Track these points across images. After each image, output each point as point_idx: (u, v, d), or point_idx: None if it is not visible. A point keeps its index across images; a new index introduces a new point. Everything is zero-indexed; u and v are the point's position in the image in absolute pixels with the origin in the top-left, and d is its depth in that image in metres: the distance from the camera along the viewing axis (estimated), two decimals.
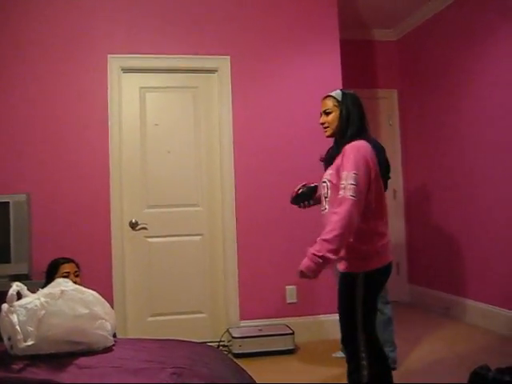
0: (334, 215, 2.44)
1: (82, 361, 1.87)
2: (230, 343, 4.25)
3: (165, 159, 4.54)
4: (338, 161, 2.60)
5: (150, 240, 4.47)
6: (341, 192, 2.44)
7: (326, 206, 2.64)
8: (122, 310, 4.33)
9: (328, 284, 4.48)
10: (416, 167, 5.88)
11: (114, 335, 2.81)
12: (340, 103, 2.71)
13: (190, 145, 4.59)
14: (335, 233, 2.38)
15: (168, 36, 4.53)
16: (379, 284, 2.67)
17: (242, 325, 4.44)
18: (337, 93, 2.77)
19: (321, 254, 2.39)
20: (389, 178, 3.86)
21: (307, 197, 3.07)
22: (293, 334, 4.23)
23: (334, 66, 4.76)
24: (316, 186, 3.01)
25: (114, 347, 2.07)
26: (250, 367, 3.66)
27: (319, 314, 4.58)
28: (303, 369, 3.90)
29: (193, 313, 4.51)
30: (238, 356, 4.09)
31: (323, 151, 4.25)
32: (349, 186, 2.41)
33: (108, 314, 2.09)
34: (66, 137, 4.32)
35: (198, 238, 4.55)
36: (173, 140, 4.57)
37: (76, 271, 3.40)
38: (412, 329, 4.71)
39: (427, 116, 5.61)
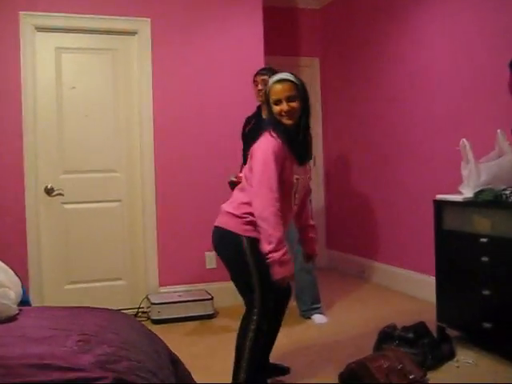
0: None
1: None
2: (149, 309, 4.25)
3: (82, 123, 4.40)
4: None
5: (66, 206, 4.36)
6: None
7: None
8: (38, 279, 4.24)
9: None
10: (336, 135, 5.99)
11: (29, 304, 2.75)
12: (299, 90, 2.63)
13: (109, 109, 4.47)
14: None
15: None
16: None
17: (161, 291, 4.44)
18: (292, 76, 2.65)
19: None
20: None
21: None
22: (212, 299, 4.28)
23: (256, 32, 4.75)
24: None
25: (18, 316, 2.02)
26: (168, 333, 3.74)
27: None
28: (221, 332, 3.97)
29: (112, 280, 4.47)
30: (157, 322, 4.11)
31: (244, 115, 4.27)
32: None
33: (12, 282, 2.03)
34: None
35: (116, 204, 4.48)
36: (91, 104, 4.43)
37: None
38: (329, 292, 4.87)
39: (348, 85, 5.71)
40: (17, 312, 2.03)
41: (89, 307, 2.38)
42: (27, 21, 4.21)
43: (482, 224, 3.27)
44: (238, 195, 2.74)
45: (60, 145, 4.35)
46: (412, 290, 4.69)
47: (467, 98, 4.09)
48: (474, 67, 4.02)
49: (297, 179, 2.67)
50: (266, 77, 3.85)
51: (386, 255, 5.16)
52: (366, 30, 5.36)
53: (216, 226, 2.76)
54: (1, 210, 4.11)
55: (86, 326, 1.96)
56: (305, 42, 6.19)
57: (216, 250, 2.83)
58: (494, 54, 3.84)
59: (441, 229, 3.57)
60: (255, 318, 2.62)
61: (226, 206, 2.74)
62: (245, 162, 3.79)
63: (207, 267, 4.60)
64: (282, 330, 3.05)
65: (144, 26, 4.47)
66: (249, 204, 2.60)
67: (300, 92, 2.62)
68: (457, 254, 3.45)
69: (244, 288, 2.70)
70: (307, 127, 2.69)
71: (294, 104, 2.59)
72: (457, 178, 3.54)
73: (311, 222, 3.01)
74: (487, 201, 3.23)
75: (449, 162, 4.12)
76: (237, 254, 2.63)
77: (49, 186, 4.29)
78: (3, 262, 2.23)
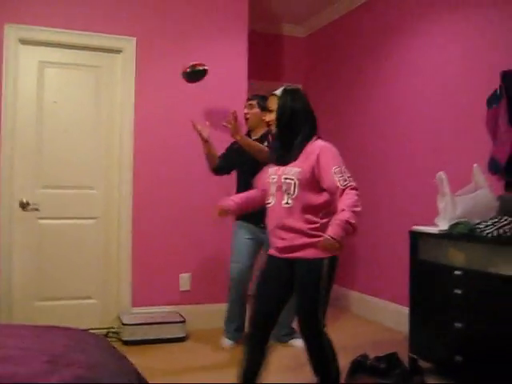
0: (347, 200, 2.55)
1: None
2: (120, 330, 4.18)
3: (62, 139, 4.36)
4: (306, 159, 2.70)
5: (41, 222, 4.29)
6: (340, 184, 2.58)
7: (274, 200, 2.76)
8: (8, 294, 4.15)
9: (220, 273, 4.54)
10: None
11: None
12: (280, 100, 2.82)
13: (90, 126, 4.44)
14: (358, 209, 2.54)
15: (73, 10, 4.33)
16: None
17: (133, 312, 4.38)
18: (279, 90, 2.87)
19: (353, 222, 2.51)
20: None
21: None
22: (184, 321, 4.23)
23: (241, 56, 4.80)
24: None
25: None
26: (138, 354, 3.68)
27: (212, 303, 4.61)
28: (191, 355, 3.91)
29: (83, 298, 4.40)
30: (128, 343, 4.05)
31: (226, 138, 4.31)
32: (346, 178, 2.61)
33: None
34: None
35: (92, 221, 4.42)
36: (71, 119, 4.40)
37: None
38: None
39: (329, 112, 5.76)
40: None
41: (57, 326, 2.33)
42: (11, 33, 4.18)
43: (457, 257, 3.29)
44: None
45: (38, 159, 4.30)
46: (387, 321, 4.69)
47: (445, 132, 4.16)
48: (453, 101, 4.10)
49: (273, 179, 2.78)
50: (252, 102, 4.12)
51: (361, 284, 5.17)
52: (349, 59, 5.44)
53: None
54: None
55: (54, 345, 1.92)
56: (289, 68, 6.26)
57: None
58: (472, 89, 3.91)
59: (416, 260, 3.59)
60: (322, 330, 2.71)
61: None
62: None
63: (181, 289, 4.55)
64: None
65: (129, 44, 4.48)
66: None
67: (281, 101, 2.81)
68: (431, 285, 3.47)
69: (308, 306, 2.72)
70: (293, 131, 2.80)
71: (270, 115, 2.85)
72: (433, 211, 3.58)
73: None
74: (462, 234, 3.26)
75: (426, 194, 4.17)
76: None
77: (24, 201, 4.22)
78: None
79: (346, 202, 2.54)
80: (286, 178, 2.72)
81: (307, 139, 2.78)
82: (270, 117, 2.85)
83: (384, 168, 4.84)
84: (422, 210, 4.18)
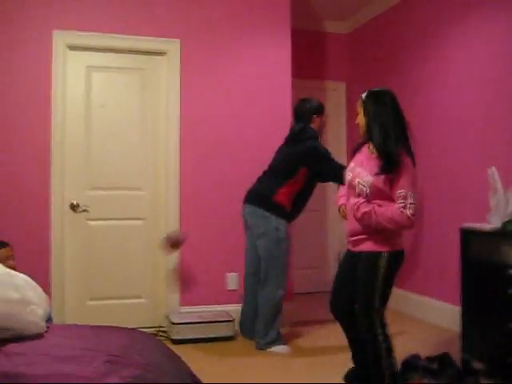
0: (392, 215, 2.74)
1: (11, 347, 1.82)
2: (169, 329, 4.23)
3: (110, 141, 4.45)
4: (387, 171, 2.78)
5: (91, 223, 4.39)
6: (400, 205, 2.72)
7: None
8: (61, 294, 4.26)
9: None
10: None
11: (50, 320, 2.76)
12: (364, 103, 2.91)
13: (136, 128, 4.52)
14: (383, 222, 2.74)
15: (118, 15, 4.42)
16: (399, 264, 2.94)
17: (182, 311, 4.43)
18: (364, 93, 2.95)
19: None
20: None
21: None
22: (233, 321, 4.25)
23: (284, 55, 4.79)
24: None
25: (45, 333, 2.03)
26: (188, 353, 3.71)
27: None
28: (242, 354, 3.93)
29: (133, 297, 4.48)
30: (177, 342, 4.09)
31: (271, 138, 4.37)
32: (409, 205, 2.71)
33: (40, 299, 2.04)
34: (6, 113, 4.17)
35: (139, 222, 4.50)
36: (119, 122, 4.48)
37: (11, 255, 3.32)
38: None
39: None
40: (45, 330, 2.04)
41: (114, 326, 2.38)
42: (60, 39, 4.28)
43: (510, 255, 3.21)
44: None
45: (87, 161, 4.40)
46: (439, 320, 4.60)
47: (496, 126, 4.05)
48: (504, 95, 3.98)
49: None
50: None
51: (409, 283, 5.09)
52: (393, 56, 5.37)
53: None
54: (27, 223, 4.14)
55: (112, 346, 1.96)
56: (332, 66, 6.21)
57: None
58: None
59: (467, 258, 3.52)
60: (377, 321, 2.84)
61: None
62: None
63: (228, 288, 4.58)
64: None
65: (173, 46, 4.53)
66: None
67: (364, 105, 2.94)
68: (483, 284, 3.40)
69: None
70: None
71: (357, 118, 3.05)
72: (485, 207, 3.50)
73: None
74: None
75: (477, 190, 4.07)
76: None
77: (75, 203, 4.33)
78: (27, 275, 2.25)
79: (389, 211, 2.74)
80: (361, 184, 2.83)
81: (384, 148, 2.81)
82: (358, 119, 2.96)
83: (433, 164, 4.74)
84: (473, 207, 4.09)
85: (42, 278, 3.90)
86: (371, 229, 2.81)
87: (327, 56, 6.22)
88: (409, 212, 2.71)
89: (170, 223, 4.48)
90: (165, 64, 4.56)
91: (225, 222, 4.59)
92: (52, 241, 4.23)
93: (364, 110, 2.87)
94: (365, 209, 2.77)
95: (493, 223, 3.37)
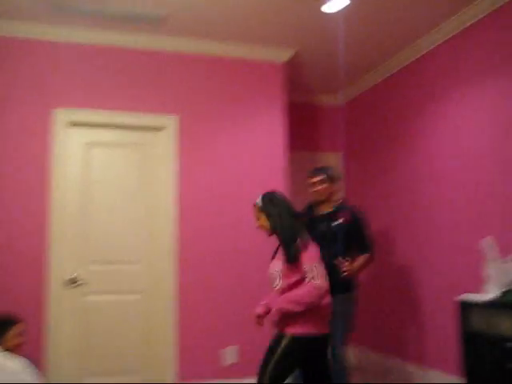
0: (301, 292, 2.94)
1: None
2: None
3: (108, 216, 4.49)
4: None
5: (88, 298, 4.36)
6: (309, 278, 2.93)
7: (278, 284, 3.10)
8: (56, 369, 4.18)
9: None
10: None
11: None
12: (262, 207, 3.22)
13: (134, 202, 4.57)
14: (302, 300, 2.92)
15: (119, 92, 4.57)
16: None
17: None
18: (259, 199, 3.28)
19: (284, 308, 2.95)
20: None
21: None
22: None
23: (278, 130, 4.91)
24: None
25: None
26: None
27: None
28: None
29: (129, 373, 4.38)
30: None
31: None
32: (316, 275, 2.93)
33: (35, 381, 2.01)
34: (5, 191, 4.23)
35: (138, 296, 4.47)
36: (117, 197, 4.54)
37: (23, 331, 3.32)
38: None
39: (371, 179, 5.78)
40: None
41: None
42: (60, 117, 4.40)
43: (509, 327, 3.18)
44: None
45: (85, 236, 4.42)
46: None
47: (491, 196, 4.08)
48: (500, 161, 4.03)
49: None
50: (322, 176, 4.17)
51: (409, 354, 5.00)
52: (388, 125, 5.48)
53: None
54: (22, 298, 4.11)
55: None
56: (327, 138, 6.33)
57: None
58: None
59: (465, 330, 3.48)
60: None
61: None
62: None
63: (227, 362, 4.50)
64: None
65: (172, 122, 4.66)
66: None
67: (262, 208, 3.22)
68: (483, 357, 3.34)
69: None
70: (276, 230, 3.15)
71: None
72: (478, 278, 3.49)
73: None
74: None
75: (471, 260, 4.07)
76: None
77: (71, 277, 4.32)
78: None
79: (299, 289, 2.96)
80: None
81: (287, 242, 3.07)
82: (259, 224, 3.23)
83: (427, 232, 4.77)
84: (467, 278, 4.08)
85: (36, 352, 3.89)
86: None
87: (323, 128, 6.34)
88: (317, 281, 2.91)
89: (168, 298, 4.46)
90: (163, 139, 4.67)
91: (223, 296, 4.57)
92: (49, 316, 4.20)
93: (265, 212, 3.17)
94: (278, 307, 2.96)
95: (490, 293, 3.35)
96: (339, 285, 3.78)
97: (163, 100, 4.66)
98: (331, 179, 4.22)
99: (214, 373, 4.46)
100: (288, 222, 3.10)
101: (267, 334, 4.48)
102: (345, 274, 3.93)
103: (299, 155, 5.87)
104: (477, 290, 3.53)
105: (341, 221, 4.08)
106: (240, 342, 4.55)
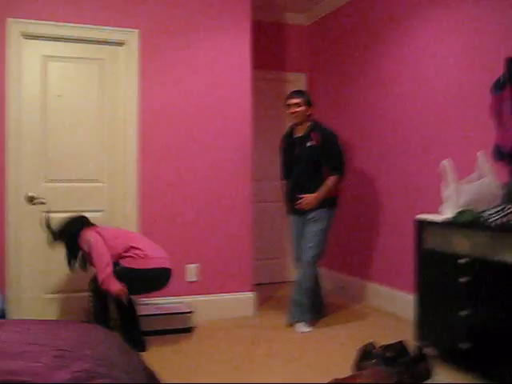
0: None
1: None
2: None
3: (66, 132, 4.38)
4: None
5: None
6: None
7: None
8: (17, 287, 4.19)
9: (228, 263, 4.60)
10: None
11: (2, 316, 2.71)
12: None
13: (94, 119, 4.46)
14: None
15: (76, 4, 4.33)
16: None
17: (140, 303, 4.40)
18: None
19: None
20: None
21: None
22: (191, 312, 4.26)
23: (244, 47, 4.78)
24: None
25: None
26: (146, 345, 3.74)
27: (221, 293, 4.66)
28: (199, 346, 3.95)
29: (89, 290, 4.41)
30: None
31: (231, 125, 4.57)
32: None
33: None
34: None
35: (98, 214, 4.44)
36: (76, 113, 4.42)
37: None
38: None
39: (333, 102, 5.75)
40: None
41: (67, 321, 2.36)
42: (15, 27, 4.18)
43: (462, 245, 3.30)
44: None
45: (43, 153, 4.32)
46: (395, 308, 4.70)
47: (450, 120, 4.14)
48: (458, 90, 4.07)
49: None
50: (299, 99, 4.31)
51: (367, 272, 5.18)
52: (353, 47, 5.41)
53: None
54: None
55: (61, 340, 1.95)
56: (292, 58, 6.23)
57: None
58: (476, 78, 3.89)
59: (421, 248, 3.60)
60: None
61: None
62: (285, 176, 4.52)
63: (187, 280, 4.58)
64: None
65: (132, 37, 4.48)
66: None
67: None
68: (436, 273, 3.49)
69: None
70: None
71: None
72: (439, 200, 3.58)
73: None
74: (467, 222, 3.26)
75: (431, 183, 4.16)
76: None
77: (30, 194, 4.25)
78: None
79: None
80: None
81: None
82: None
83: (390, 157, 4.83)
84: (428, 199, 4.18)
85: None
86: None
87: (287, 47, 6.22)
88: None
89: (128, 214, 4.45)
90: (123, 54, 4.50)
91: (184, 213, 4.59)
92: (7, 233, 4.16)
93: None
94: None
95: (445, 214, 3.45)
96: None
97: (123, 13, 4.45)
98: (308, 102, 4.35)
99: (176, 290, 4.53)
100: None
101: (228, 250, 4.63)
102: (298, 206, 4.30)
103: (263, 74, 5.78)
104: (435, 211, 3.63)
105: (312, 143, 4.23)
106: (200, 260, 4.62)
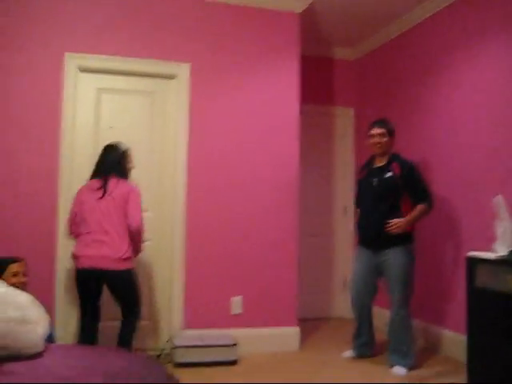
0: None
1: (8, 366, 1.82)
2: (172, 352, 4.20)
3: None
4: None
5: None
6: None
7: None
8: (65, 313, 4.25)
9: (272, 297, 4.56)
10: None
11: (52, 340, 2.75)
12: None
13: (144, 150, 4.55)
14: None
15: (129, 38, 4.48)
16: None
17: (185, 334, 4.40)
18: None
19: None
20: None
21: None
22: (235, 344, 4.22)
23: (293, 81, 4.83)
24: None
25: (44, 353, 2.02)
26: (192, 377, 3.71)
27: (265, 327, 4.62)
28: (243, 379, 3.89)
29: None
30: (180, 365, 4.06)
31: (279, 159, 4.49)
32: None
33: (41, 319, 2.04)
34: (17, 135, 4.21)
35: (146, 243, 4.48)
36: (127, 144, 4.50)
37: (24, 271, 3.34)
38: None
39: None
40: (43, 349, 2.04)
41: (114, 348, 2.38)
42: (72, 61, 4.34)
43: None
44: None
45: None
46: (446, 350, 4.53)
47: (504, 152, 4.03)
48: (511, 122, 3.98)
49: None
50: (383, 130, 4.19)
51: (419, 311, 5.03)
52: (401, 81, 5.39)
53: None
54: (33, 240, 4.15)
55: (110, 367, 1.96)
56: (340, 92, 6.24)
57: None
58: None
59: (473, 287, 3.49)
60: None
61: None
62: (359, 205, 4.36)
63: (233, 312, 4.56)
64: None
65: (183, 70, 4.58)
66: None
67: None
68: (489, 313, 3.36)
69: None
70: None
71: None
72: (491, 236, 3.48)
73: None
74: None
75: (483, 218, 4.05)
76: None
77: None
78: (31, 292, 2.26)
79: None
80: None
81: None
82: None
83: (442, 191, 4.73)
84: (480, 236, 4.07)
85: (46, 294, 3.95)
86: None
87: (335, 82, 6.25)
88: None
89: (176, 245, 4.49)
90: (174, 88, 4.61)
91: (231, 244, 4.59)
92: (57, 259, 4.24)
93: None
94: None
95: (499, 251, 3.35)
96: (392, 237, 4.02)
97: (175, 47, 4.58)
98: (390, 133, 4.22)
99: (220, 322, 4.51)
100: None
101: (272, 283, 4.60)
102: (388, 229, 4.04)
103: (311, 108, 5.81)
104: (487, 249, 3.52)
105: (392, 173, 4.12)
106: (244, 292, 4.60)
